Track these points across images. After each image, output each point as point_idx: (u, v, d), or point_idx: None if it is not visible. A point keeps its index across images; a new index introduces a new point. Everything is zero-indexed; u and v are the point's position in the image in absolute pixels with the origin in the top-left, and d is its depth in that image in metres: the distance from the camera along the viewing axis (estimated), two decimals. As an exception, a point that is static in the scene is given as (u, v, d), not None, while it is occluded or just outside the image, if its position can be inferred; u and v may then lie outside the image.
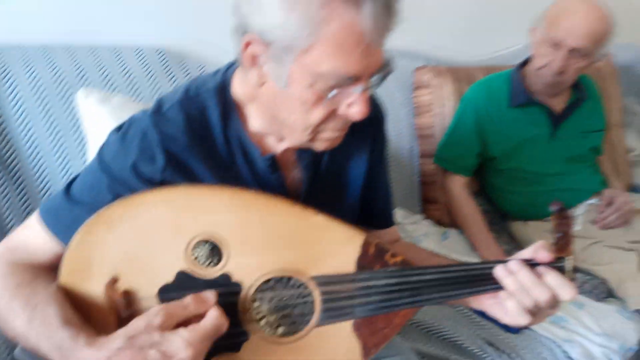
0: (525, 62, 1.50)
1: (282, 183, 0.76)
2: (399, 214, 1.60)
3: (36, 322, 0.59)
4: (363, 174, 0.84)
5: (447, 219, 1.62)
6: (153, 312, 0.59)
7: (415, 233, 1.53)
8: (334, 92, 0.61)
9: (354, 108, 0.63)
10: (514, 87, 1.46)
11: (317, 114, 0.64)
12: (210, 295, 0.63)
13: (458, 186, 1.54)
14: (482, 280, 0.69)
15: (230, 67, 0.74)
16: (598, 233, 1.42)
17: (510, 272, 0.67)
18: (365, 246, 0.69)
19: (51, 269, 0.67)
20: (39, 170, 1.09)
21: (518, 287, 0.66)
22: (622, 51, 2.25)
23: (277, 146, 0.75)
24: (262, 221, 0.66)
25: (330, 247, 0.68)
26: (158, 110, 0.70)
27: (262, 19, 0.59)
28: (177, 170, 0.68)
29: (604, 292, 1.30)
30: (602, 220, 1.42)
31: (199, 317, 0.61)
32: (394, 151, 1.64)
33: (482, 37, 2.00)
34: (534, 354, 1.10)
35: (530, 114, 1.46)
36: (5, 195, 1.04)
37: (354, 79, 0.61)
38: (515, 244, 1.53)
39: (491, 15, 2.00)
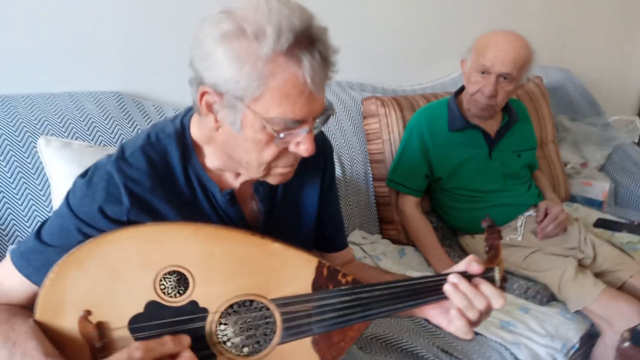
0: (460, 90, 1.63)
1: (241, 215, 0.83)
2: (358, 235, 1.69)
3: (16, 356, 0.63)
4: (316, 202, 0.91)
5: (404, 237, 1.72)
6: (134, 346, 0.65)
7: (374, 252, 1.62)
8: (282, 135, 0.69)
9: (301, 146, 0.71)
10: (452, 113, 1.59)
11: (269, 152, 0.71)
12: (186, 338, 0.70)
13: (410, 206, 1.65)
14: (424, 293, 0.77)
15: (188, 113, 0.81)
16: (537, 242, 1.54)
17: (454, 286, 0.75)
18: (319, 268, 0.76)
19: (27, 307, 0.71)
20: (3, 215, 1.12)
21: (461, 298, 0.73)
22: (552, 74, 2.46)
23: (234, 182, 0.82)
24: (224, 251, 0.73)
25: (287, 271, 0.75)
26: (121, 155, 0.76)
27: (215, 74, 0.67)
28: (142, 210, 0.74)
29: (546, 296, 1.41)
30: (542, 231, 1.54)
31: (173, 357, 0.68)
32: (350, 176, 1.74)
33: (421, 67, 2.16)
34: (484, 357, 1.19)
35: (468, 137, 1.59)
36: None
37: (299, 122, 0.69)
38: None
39: (427, 47, 2.17)
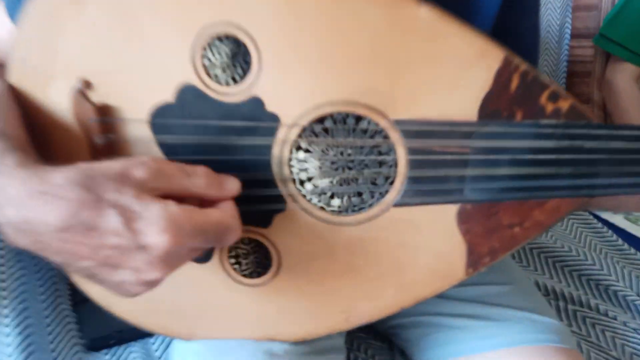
0: None
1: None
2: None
3: None
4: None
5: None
6: (140, 161, 0.35)
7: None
8: None
9: None
10: None
11: None
12: (235, 182, 0.38)
13: (626, 78, 1.18)
14: None
15: None
16: None
17: None
18: (503, 74, 0.38)
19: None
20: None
21: None
22: None
23: None
24: (321, 15, 0.38)
25: (439, 69, 0.39)
26: None
27: None
28: None
29: None
30: None
31: (202, 203, 0.37)
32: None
33: None
34: None
35: None
36: None
37: None
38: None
39: None
